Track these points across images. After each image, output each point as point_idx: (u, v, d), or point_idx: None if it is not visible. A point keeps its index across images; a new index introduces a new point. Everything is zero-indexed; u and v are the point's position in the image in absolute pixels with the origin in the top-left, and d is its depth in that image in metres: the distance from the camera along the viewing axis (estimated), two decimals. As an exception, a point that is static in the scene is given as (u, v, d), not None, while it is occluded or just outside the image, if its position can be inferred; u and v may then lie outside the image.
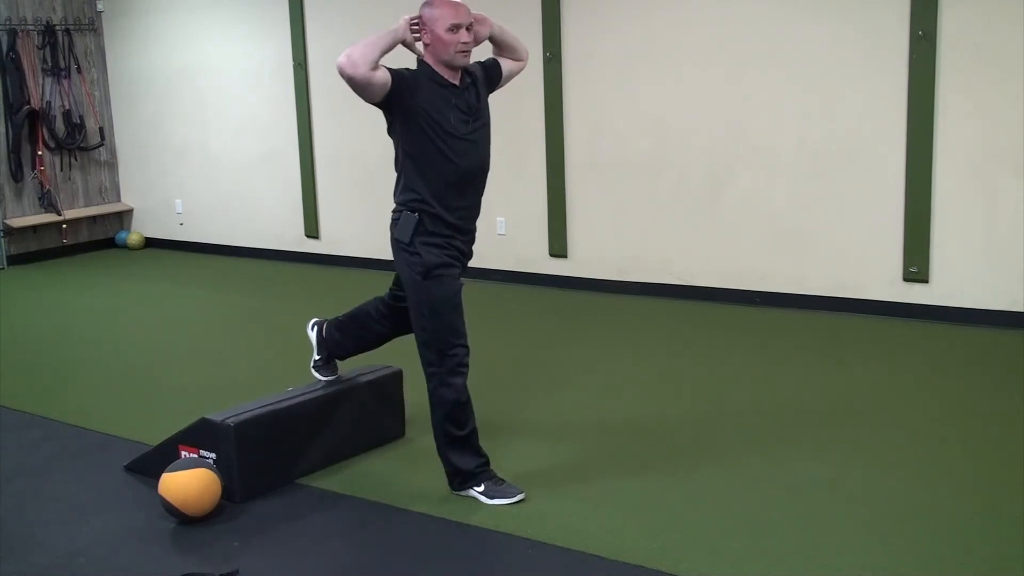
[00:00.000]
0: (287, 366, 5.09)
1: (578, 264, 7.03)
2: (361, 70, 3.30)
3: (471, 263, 3.73)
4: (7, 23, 8.56)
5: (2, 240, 8.62)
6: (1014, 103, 5.42)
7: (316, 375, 4.07)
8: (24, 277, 8.26)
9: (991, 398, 4.52)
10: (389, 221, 3.60)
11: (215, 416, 3.71)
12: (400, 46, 3.49)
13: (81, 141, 9.09)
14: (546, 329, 6.11)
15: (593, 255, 6.96)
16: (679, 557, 3.15)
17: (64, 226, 9.03)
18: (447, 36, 3.44)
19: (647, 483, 3.71)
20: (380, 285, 4.12)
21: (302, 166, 8.25)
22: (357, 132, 7.77)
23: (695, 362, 5.27)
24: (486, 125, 3.64)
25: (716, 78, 6.30)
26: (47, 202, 8.86)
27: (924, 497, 3.52)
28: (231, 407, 3.83)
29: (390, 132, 3.58)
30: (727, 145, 6.33)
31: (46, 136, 8.81)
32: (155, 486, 3.58)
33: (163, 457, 3.73)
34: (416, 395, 4.02)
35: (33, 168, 8.80)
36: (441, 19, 3.44)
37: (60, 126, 8.94)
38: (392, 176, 3.61)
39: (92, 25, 9.21)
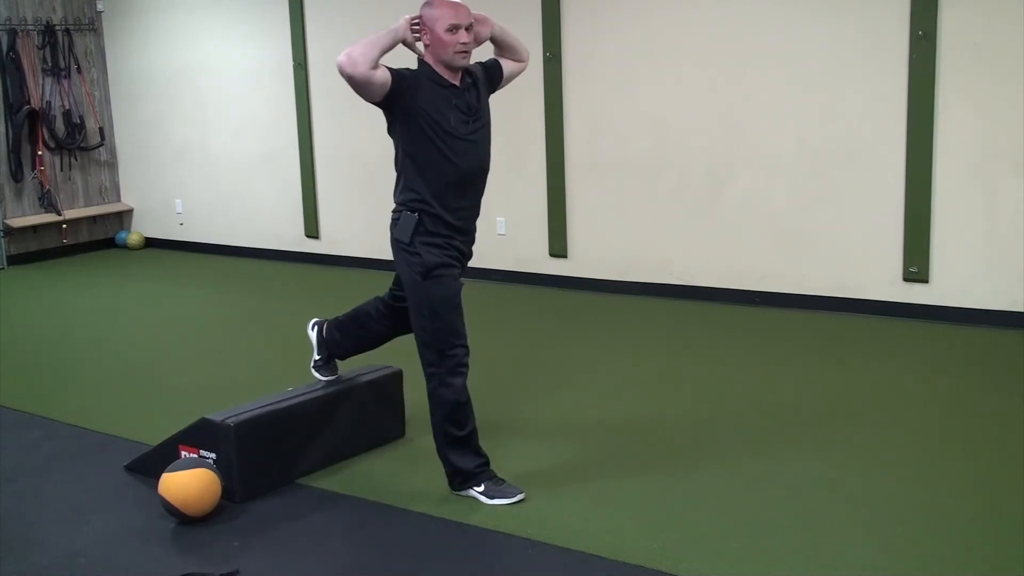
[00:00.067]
0: (287, 366, 5.09)
1: (578, 264, 7.03)
2: (361, 69, 3.30)
3: (471, 263, 3.73)
4: (7, 23, 8.56)
5: (2, 240, 8.63)
6: (1014, 103, 5.42)
7: (316, 375, 4.07)
8: (24, 277, 8.26)
9: (991, 398, 4.52)
10: (389, 221, 3.61)
11: (215, 416, 3.71)
12: (401, 46, 3.49)
13: (81, 141, 9.10)
14: (546, 329, 6.11)
15: (593, 255, 6.96)
16: (679, 557, 3.15)
17: (64, 226, 9.04)
18: (446, 37, 3.44)
19: (647, 483, 3.71)
20: (380, 285, 4.12)
21: (302, 166, 8.25)
22: (357, 132, 7.77)
23: (695, 362, 5.27)
24: (486, 126, 3.64)
25: (716, 78, 6.30)
26: (47, 202, 8.86)
27: (924, 497, 3.52)
28: (231, 407, 3.83)
29: (390, 132, 3.58)
30: (727, 145, 6.33)
31: (46, 136, 8.81)
32: (155, 486, 3.58)
33: (163, 457, 3.73)
34: (416, 395, 4.02)
35: (33, 168, 8.80)
36: (441, 19, 3.44)
37: (60, 126, 8.94)
38: (392, 176, 3.61)
39: (92, 25, 9.21)
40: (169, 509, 3.50)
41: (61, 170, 9.06)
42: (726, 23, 6.22)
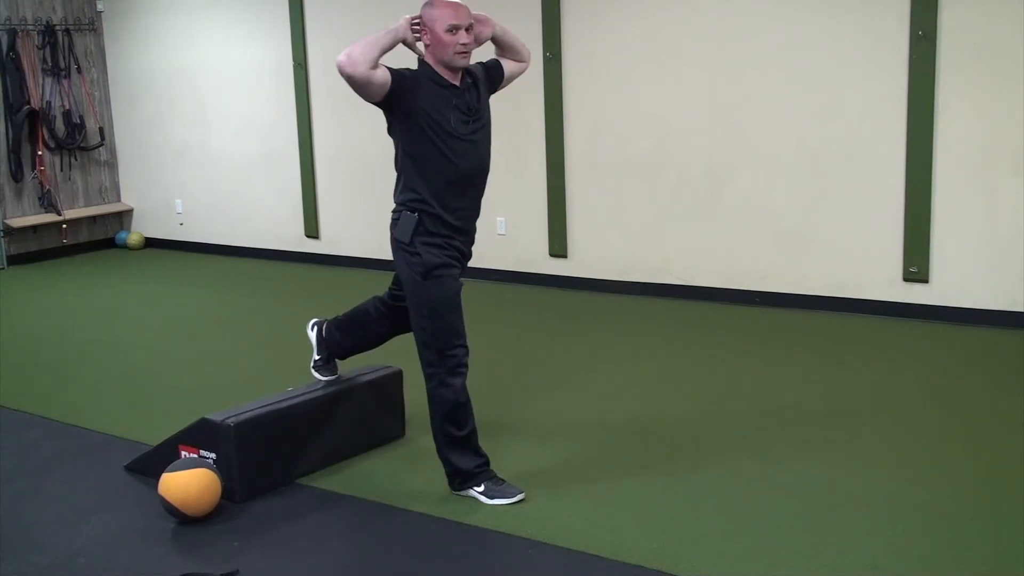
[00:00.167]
0: (287, 366, 5.09)
1: (578, 264, 7.03)
2: (360, 69, 3.30)
3: (471, 263, 3.73)
4: (7, 23, 8.56)
5: (2, 240, 8.63)
6: (1014, 103, 5.42)
7: (316, 375, 4.07)
8: (24, 277, 8.26)
9: (991, 398, 4.52)
10: (389, 221, 3.61)
11: (215, 416, 3.71)
12: (401, 46, 3.49)
13: (81, 141, 9.10)
14: (546, 329, 6.11)
15: (593, 255, 6.96)
16: (679, 557, 3.15)
17: (64, 226, 9.04)
18: (446, 37, 3.44)
19: (647, 483, 3.71)
20: (380, 285, 4.12)
21: (302, 166, 8.25)
22: (357, 132, 7.77)
23: (695, 362, 5.27)
24: (486, 126, 3.64)
25: (716, 78, 6.30)
26: (47, 202, 8.86)
27: (924, 497, 3.52)
28: (231, 407, 3.83)
29: (390, 132, 3.58)
30: (727, 145, 6.33)
31: (46, 136, 8.81)
32: (155, 486, 3.58)
33: (163, 457, 3.73)
34: (416, 395, 4.02)
35: (33, 168, 8.80)
36: (440, 20, 3.43)
37: (60, 126, 8.94)
38: (392, 176, 3.61)
39: (92, 25, 9.21)
40: (169, 509, 3.50)
41: (61, 170, 9.06)
42: (726, 23, 6.22)
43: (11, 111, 8.57)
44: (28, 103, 8.64)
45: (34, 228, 8.88)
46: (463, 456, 3.62)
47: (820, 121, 6.00)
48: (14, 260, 8.71)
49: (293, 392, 4.00)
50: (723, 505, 3.52)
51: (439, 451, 3.65)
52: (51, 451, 4.30)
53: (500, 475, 3.67)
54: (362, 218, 7.93)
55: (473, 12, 3.54)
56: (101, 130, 9.28)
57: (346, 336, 3.99)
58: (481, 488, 3.60)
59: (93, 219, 9.36)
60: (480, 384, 4.15)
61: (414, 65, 3.56)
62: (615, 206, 6.80)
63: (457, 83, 3.53)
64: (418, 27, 3.50)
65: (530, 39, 6.19)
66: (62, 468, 4.12)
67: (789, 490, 3.62)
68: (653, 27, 6.48)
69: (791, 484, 3.67)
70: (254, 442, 3.71)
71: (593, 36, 6.71)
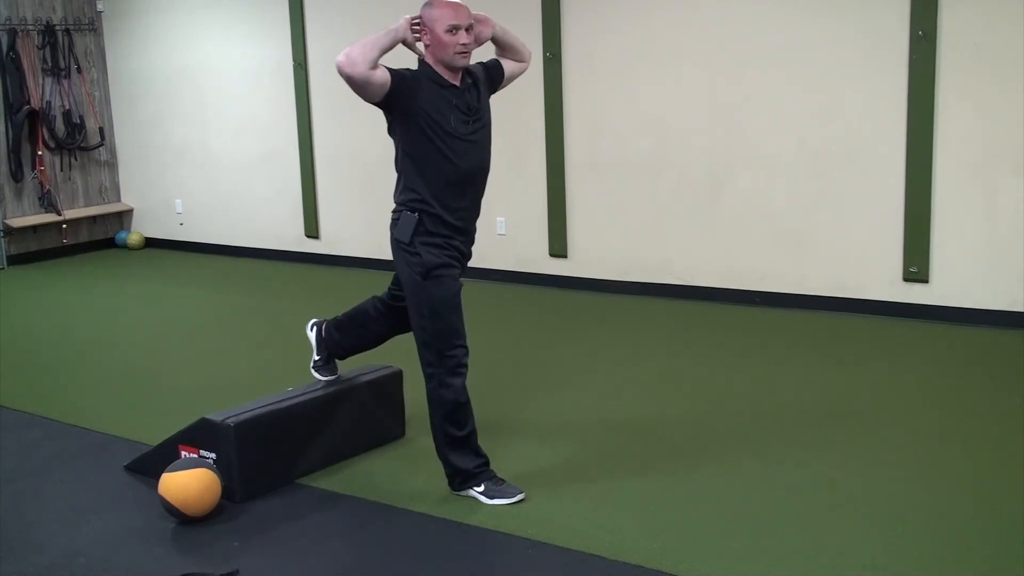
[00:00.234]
0: (287, 366, 5.09)
1: (578, 264, 7.03)
2: (360, 69, 3.30)
3: (471, 263, 3.73)
4: (7, 23, 8.56)
5: (2, 240, 8.63)
6: (1014, 103, 5.42)
7: (316, 375, 4.07)
8: (24, 277, 8.26)
9: (991, 398, 4.52)
10: (389, 221, 3.61)
11: (215, 416, 3.71)
12: (401, 46, 3.49)
13: (81, 141, 9.10)
14: (546, 329, 6.11)
15: (593, 255, 6.96)
16: (679, 557, 3.15)
17: (64, 226, 9.04)
18: (446, 37, 3.44)
19: (647, 483, 3.71)
20: (380, 285, 4.12)
21: (302, 166, 8.25)
22: (357, 132, 7.77)
23: (695, 362, 5.27)
24: (487, 126, 3.63)
25: (716, 78, 6.30)
26: (47, 202, 8.86)
27: (924, 497, 3.52)
28: (231, 407, 3.83)
29: (390, 132, 3.58)
30: (727, 145, 6.33)
31: (46, 136, 8.81)
32: (155, 486, 3.58)
33: (163, 457, 3.73)
34: (416, 395, 4.01)
35: (33, 168, 8.80)
36: (440, 20, 3.43)
37: (60, 126, 8.94)
38: (392, 176, 3.61)
39: (92, 25, 9.21)
40: (169, 509, 3.50)
41: (61, 170, 9.06)
42: (726, 23, 6.22)
43: (11, 111, 8.57)
44: (28, 103, 8.64)
45: (34, 228, 8.88)
46: (463, 456, 3.62)
47: (820, 121, 6.00)
48: (14, 260, 8.71)
49: (293, 392, 4.00)
50: (723, 505, 3.52)
51: (439, 451, 3.65)
52: (51, 451, 4.30)
53: (500, 475, 3.67)
54: (362, 218, 7.93)
55: (473, 12, 3.54)
56: (101, 130, 9.28)
57: (345, 336, 3.99)
58: (481, 488, 3.60)
59: (93, 219, 9.36)
60: (480, 384, 4.15)
61: (414, 65, 3.56)
62: (615, 206, 6.80)
63: (457, 83, 3.53)
64: (418, 27, 3.50)
65: (530, 39, 6.18)
66: (62, 468, 4.12)
67: (789, 490, 3.62)
68: (653, 27, 6.48)
69: (791, 484, 3.67)
70: (254, 442, 3.71)
71: (593, 36, 6.71)
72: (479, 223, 3.70)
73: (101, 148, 9.32)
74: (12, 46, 8.55)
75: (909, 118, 5.69)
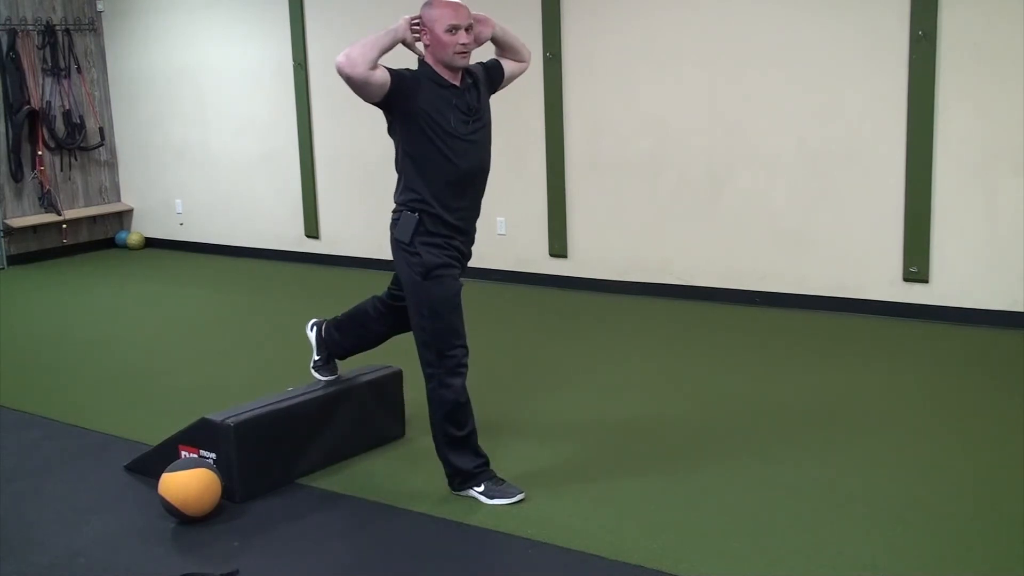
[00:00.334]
0: (287, 366, 5.09)
1: (578, 264, 7.03)
2: (359, 69, 3.30)
3: (471, 263, 3.73)
4: (7, 23, 8.56)
5: (2, 240, 8.63)
6: (1014, 103, 5.42)
7: (316, 375, 4.07)
8: (24, 277, 8.26)
9: (991, 398, 4.52)
10: (389, 221, 3.61)
11: (215, 416, 3.71)
12: (400, 46, 3.49)
13: (81, 141, 9.10)
14: (546, 329, 6.11)
15: (593, 255, 6.96)
16: (679, 557, 3.15)
17: (64, 226, 9.04)
18: (446, 37, 3.44)
19: (647, 483, 3.71)
20: (380, 285, 4.12)
21: (302, 166, 8.25)
22: (357, 132, 7.77)
23: (695, 362, 5.27)
24: (487, 126, 3.63)
25: (716, 78, 6.30)
26: (47, 202, 8.86)
27: (924, 497, 3.52)
28: (231, 407, 3.83)
29: (390, 132, 3.58)
30: (727, 145, 6.33)
31: (46, 136, 8.81)
32: (155, 486, 3.58)
33: (163, 457, 3.73)
34: (416, 395, 4.01)
35: (33, 168, 8.80)
36: (440, 20, 3.43)
37: (60, 126, 8.94)
38: (392, 176, 3.61)
39: (92, 25, 9.21)
40: (169, 509, 3.50)
41: (61, 170, 9.06)
42: (726, 23, 6.22)
43: (11, 111, 8.57)
44: (28, 103, 8.64)
45: (34, 228, 8.88)
46: (463, 456, 3.62)
47: (820, 121, 6.00)
48: (14, 260, 8.71)
49: (293, 392, 4.00)
50: (723, 505, 3.52)
51: (439, 451, 3.65)
52: (51, 451, 4.30)
53: (500, 475, 3.67)
54: (362, 218, 7.93)
55: (473, 12, 3.54)
56: (101, 130, 9.28)
57: (345, 336, 4.00)
58: (481, 488, 3.60)
59: (93, 219, 9.36)
60: (480, 384, 4.15)
61: (414, 65, 3.56)
62: (615, 206, 6.80)
63: (457, 83, 3.53)
64: (418, 27, 3.50)
65: (530, 39, 6.19)
66: (62, 468, 4.12)
67: (789, 490, 3.62)
68: (653, 27, 6.48)
69: (791, 484, 3.67)
70: (254, 442, 3.71)
71: (593, 36, 6.71)
72: (479, 223, 3.70)
73: (101, 148, 9.32)
74: (12, 46, 8.55)
75: (909, 118, 5.69)
